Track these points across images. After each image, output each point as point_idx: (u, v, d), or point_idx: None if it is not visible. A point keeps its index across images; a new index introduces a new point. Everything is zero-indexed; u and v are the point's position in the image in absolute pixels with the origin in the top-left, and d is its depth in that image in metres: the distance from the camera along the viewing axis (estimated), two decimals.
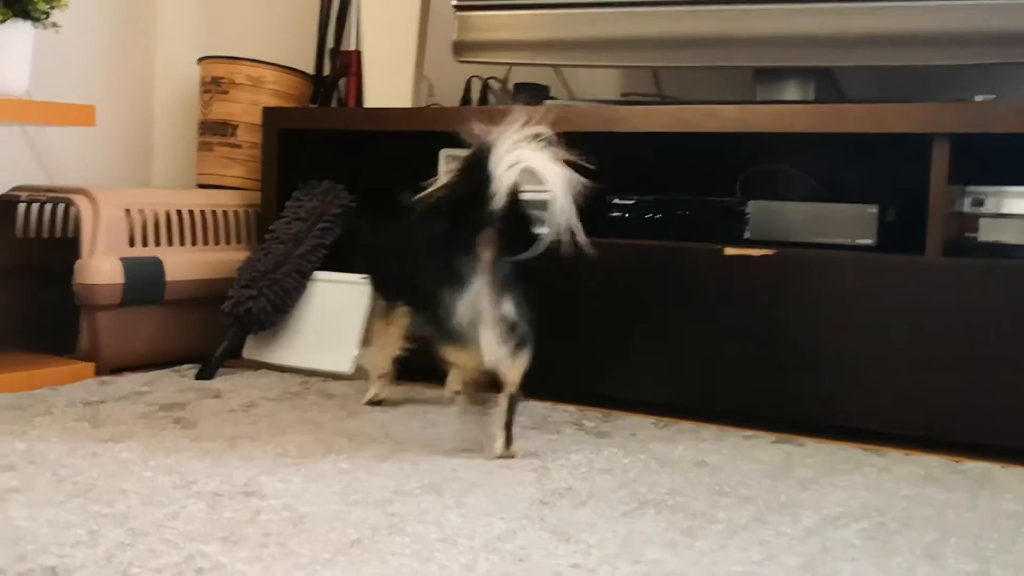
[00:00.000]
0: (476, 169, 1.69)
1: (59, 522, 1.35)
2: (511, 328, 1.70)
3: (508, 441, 1.76)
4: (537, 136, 1.68)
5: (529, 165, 1.66)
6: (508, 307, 1.70)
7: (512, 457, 1.75)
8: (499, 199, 1.67)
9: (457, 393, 2.10)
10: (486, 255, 1.70)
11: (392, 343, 2.10)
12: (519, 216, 1.72)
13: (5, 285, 2.46)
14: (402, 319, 2.07)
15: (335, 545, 1.30)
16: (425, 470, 1.65)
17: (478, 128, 1.71)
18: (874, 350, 1.93)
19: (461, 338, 1.71)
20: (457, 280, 1.70)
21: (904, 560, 1.33)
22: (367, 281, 2.20)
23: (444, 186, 1.81)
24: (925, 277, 1.89)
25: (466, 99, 2.69)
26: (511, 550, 1.31)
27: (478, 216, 1.69)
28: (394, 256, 1.94)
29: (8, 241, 2.49)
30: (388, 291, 2.08)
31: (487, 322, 1.70)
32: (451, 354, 1.75)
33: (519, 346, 1.72)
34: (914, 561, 1.33)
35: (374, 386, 2.12)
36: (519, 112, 1.72)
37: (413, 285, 1.81)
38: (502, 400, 1.75)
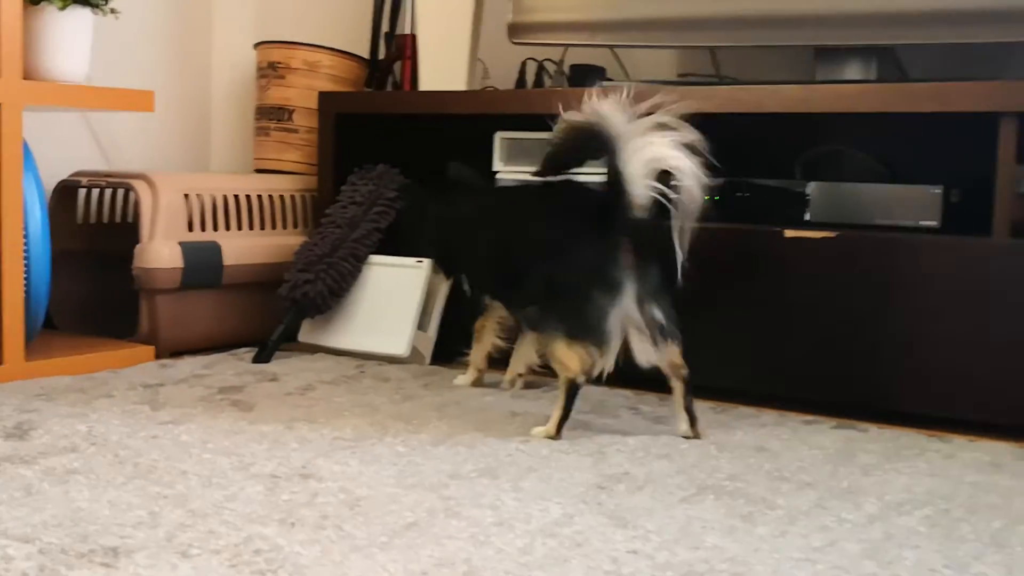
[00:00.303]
0: (609, 167, 1.72)
1: (120, 503, 1.35)
2: (660, 330, 1.75)
3: (693, 422, 1.79)
4: (667, 126, 1.71)
5: (666, 163, 1.69)
6: (658, 312, 1.74)
7: (699, 438, 1.78)
8: (640, 205, 1.71)
9: (520, 376, 2.10)
10: (633, 259, 1.73)
11: (488, 339, 2.11)
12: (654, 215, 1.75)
13: (67, 269, 2.48)
14: (497, 314, 2.08)
15: (391, 528, 1.29)
16: (481, 454, 1.64)
17: (590, 107, 1.74)
18: (938, 334, 1.90)
19: (604, 340, 1.73)
20: (609, 284, 1.73)
21: (970, 548, 1.31)
22: (460, 280, 2.16)
23: (551, 163, 1.82)
24: (991, 259, 1.86)
25: (521, 82, 2.68)
26: (568, 535, 1.30)
27: (619, 218, 1.73)
28: (504, 252, 1.92)
29: (69, 226, 2.51)
30: (485, 286, 2.07)
31: (640, 327, 1.75)
32: (568, 354, 1.75)
33: (672, 337, 1.77)
34: (981, 549, 1.30)
35: (466, 377, 2.14)
36: (638, 96, 1.73)
37: (543, 283, 1.80)
38: (678, 385, 1.79)
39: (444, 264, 2.25)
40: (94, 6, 2.20)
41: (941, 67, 2.35)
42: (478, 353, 2.12)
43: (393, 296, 2.36)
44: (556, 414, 1.76)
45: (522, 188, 2.05)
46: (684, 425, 1.80)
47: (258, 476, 1.49)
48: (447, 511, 1.37)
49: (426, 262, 2.36)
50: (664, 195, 1.71)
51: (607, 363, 1.75)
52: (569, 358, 1.74)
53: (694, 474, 1.57)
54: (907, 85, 1.94)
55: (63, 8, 2.15)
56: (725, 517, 1.38)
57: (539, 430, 1.77)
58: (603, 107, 1.72)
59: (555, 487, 1.48)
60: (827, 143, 2.32)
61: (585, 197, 1.83)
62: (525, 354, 2.09)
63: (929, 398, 1.91)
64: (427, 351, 2.35)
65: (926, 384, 1.91)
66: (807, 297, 2.00)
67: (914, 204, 2.00)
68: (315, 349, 2.42)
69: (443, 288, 2.38)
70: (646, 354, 1.76)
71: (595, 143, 1.73)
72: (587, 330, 1.73)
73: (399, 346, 2.31)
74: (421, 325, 2.35)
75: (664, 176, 1.72)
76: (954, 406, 1.89)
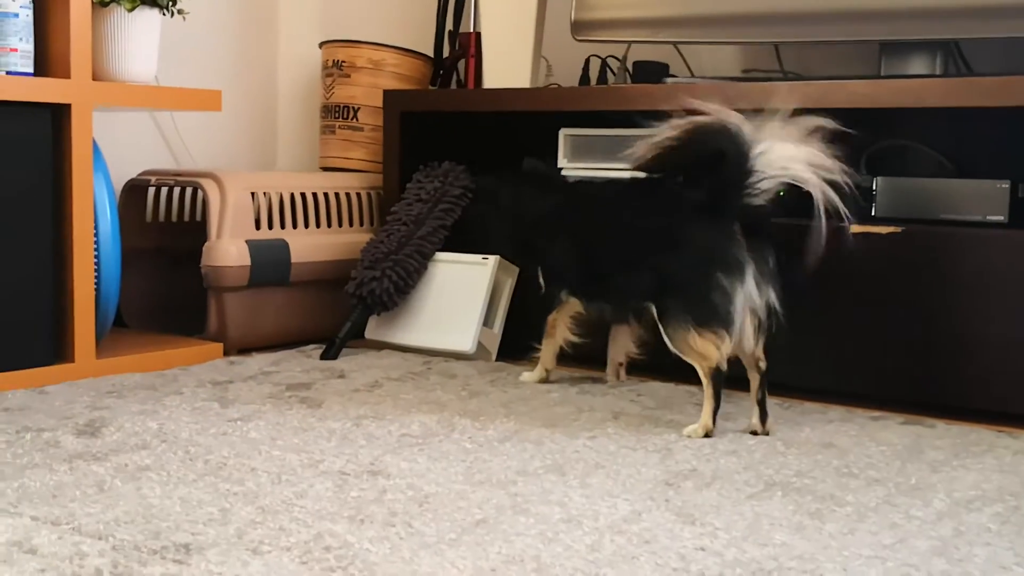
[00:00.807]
0: (729, 158, 1.74)
1: (191, 500, 1.37)
2: (770, 315, 1.76)
3: (764, 418, 1.79)
4: (802, 132, 1.74)
5: (796, 174, 1.73)
6: (773, 296, 1.75)
7: (768, 435, 1.78)
8: (757, 192, 1.74)
9: (621, 365, 2.09)
10: (748, 242, 1.75)
11: (560, 335, 2.08)
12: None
13: (137, 268, 2.51)
14: (572, 310, 2.06)
15: (460, 525, 1.30)
16: (548, 451, 1.64)
17: (712, 105, 1.76)
18: (1005, 329, 1.87)
19: (732, 323, 1.74)
20: (732, 265, 1.74)
21: None
22: (541, 276, 2.10)
23: (663, 161, 1.82)
24: None
25: (584, 79, 2.67)
26: (636, 532, 1.30)
27: (731, 203, 1.75)
28: (601, 246, 1.92)
29: (139, 224, 2.54)
30: (570, 281, 2.04)
31: (756, 310, 1.76)
32: (703, 343, 1.76)
33: (769, 329, 1.77)
34: None
35: (533, 375, 2.12)
36: (771, 97, 1.76)
37: (657, 274, 1.81)
38: (755, 377, 1.79)
39: (521, 260, 2.24)
40: (162, 7, 2.23)
41: (1005, 61, 2.32)
42: (548, 350, 2.10)
43: (459, 293, 2.37)
44: (708, 406, 1.77)
45: (608, 183, 2.03)
46: (755, 419, 1.79)
47: (327, 473, 1.50)
48: (515, 508, 1.37)
49: (492, 259, 2.36)
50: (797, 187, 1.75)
51: (746, 346, 1.78)
52: (705, 347, 1.75)
53: (761, 470, 1.56)
54: (974, 79, 1.91)
55: (131, 9, 2.17)
56: (793, 514, 1.38)
57: (692, 429, 1.77)
58: (730, 113, 1.75)
59: (623, 484, 1.48)
60: (893, 138, 2.29)
61: (684, 188, 1.84)
62: (623, 344, 2.09)
63: (996, 394, 1.89)
64: (493, 347, 2.36)
65: (994, 380, 1.89)
66: (873, 293, 1.98)
67: (981, 199, 1.98)
68: (382, 346, 2.43)
69: (509, 284, 2.39)
70: (746, 340, 1.77)
71: (722, 144, 1.75)
72: (716, 315, 1.74)
73: (465, 343, 2.32)
74: (487, 322, 2.35)
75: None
76: (1022, 402, 1.86)
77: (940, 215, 2.01)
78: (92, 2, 2.10)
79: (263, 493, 1.40)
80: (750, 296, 1.74)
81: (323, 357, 2.31)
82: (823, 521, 1.35)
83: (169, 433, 1.68)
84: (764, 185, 1.74)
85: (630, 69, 2.57)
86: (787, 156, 1.72)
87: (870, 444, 1.73)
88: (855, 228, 1.98)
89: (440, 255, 2.42)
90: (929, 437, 1.78)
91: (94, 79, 2.13)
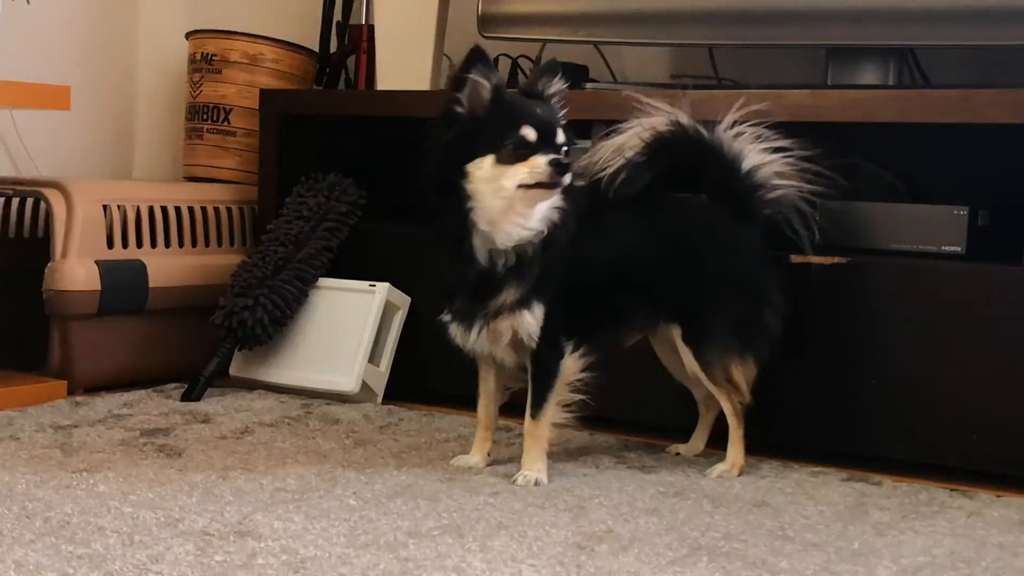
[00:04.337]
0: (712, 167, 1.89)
1: (27, 564, 1.36)
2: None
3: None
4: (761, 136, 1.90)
5: (771, 174, 1.89)
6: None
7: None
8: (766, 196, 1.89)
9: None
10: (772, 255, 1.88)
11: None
12: None
13: None
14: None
15: None
16: (444, 508, 1.65)
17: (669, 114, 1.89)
18: (962, 374, 1.92)
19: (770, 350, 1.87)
20: (772, 279, 1.90)
21: None
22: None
23: (635, 180, 1.89)
24: (1022, 290, 1.88)
25: None
26: None
27: (753, 214, 1.90)
28: (613, 271, 1.89)
29: None
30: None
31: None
32: (743, 372, 1.86)
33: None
34: None
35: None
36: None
37: (687, 293, 1.88)
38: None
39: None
40: None
41: (965, 72, 2.38)
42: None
43: (343, 325, 2.37)
44: (739, 446, 1.89)
45: (599, 205, 1.99)
46: (701, 445, 1.96)
47: (187, 533, 1.49)
48: (405, 574, 1.38)
49: (381, 286, 2.37)
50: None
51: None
52: (742, 378, 1.85)
53: (685, 532, 1.59)
54: (931, 92, 1.97)
55: None
56: None
57: (721, 468, 1.88)
58: (684, 116, 1.87)
59: (529, 547, 1.50)
60: (838, 156, 2.34)
61: (692, 202, 1.94)
62: (499, 388, 1.95)
63: (951, 447, 1.93)
64: (379, 388, 2.36)
65: (948, 430, 1.93)
66: (813, 330, 2.02)
67: (936, 227, 2.02)
68: (253, 385, 2.42)
69: (399, 316, 2.39)
70: None
71: (692, 154, 1.87)
72: (762, 337, 1.85)
73: (348, 382, 2.32)
74: (373, 358, 2.36)
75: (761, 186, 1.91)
76: (980, 456, 1.91)
77: (890, 244, 2.06)
78: None
79: (112, 556, 1.40)
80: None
81: (184, 398, 2.30)
82: None
83: (2, 486, 1.67)
84: (772, 197, 1.90)
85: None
86: (777, 171, 1.88)
87: (808, 503, 1.76)
88: (796, 258, 2.02)
89: (323, 281, 2.43)
90: (874, 496, 1.82)
91: None
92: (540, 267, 1.77)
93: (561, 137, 1.74)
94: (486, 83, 1.74)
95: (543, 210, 1.75)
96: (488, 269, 1.76)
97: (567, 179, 1.72)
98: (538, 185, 1.71)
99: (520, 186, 1.71)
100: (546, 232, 1.76)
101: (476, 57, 1.75)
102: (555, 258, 1.78)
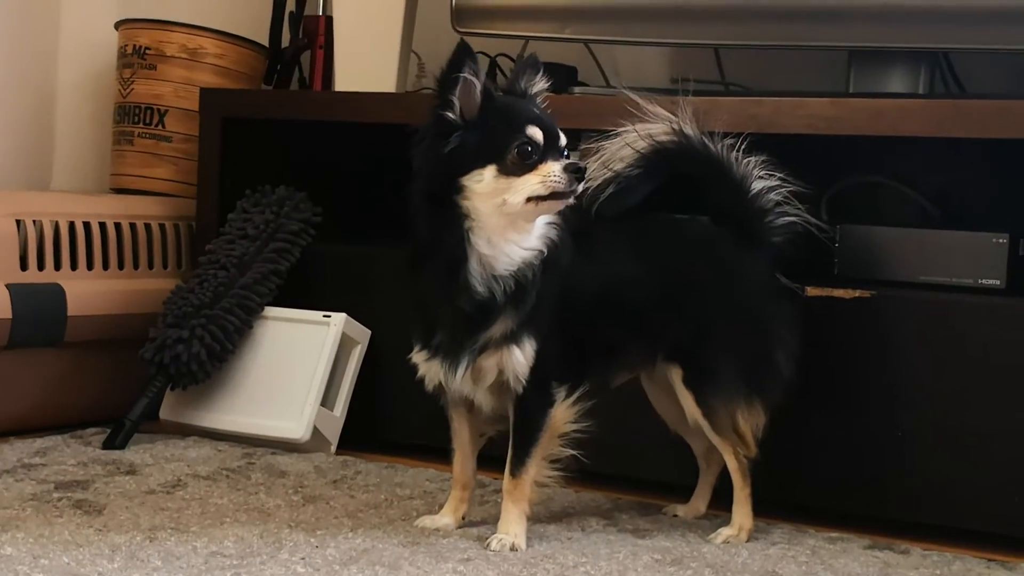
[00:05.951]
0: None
1: None
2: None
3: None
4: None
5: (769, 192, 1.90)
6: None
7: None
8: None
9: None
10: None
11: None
12: None
13: None
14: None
15: None
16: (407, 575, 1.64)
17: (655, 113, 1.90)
18: (1000, 426, 1.92)
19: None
20: (788, 313, 1.92)
21: None
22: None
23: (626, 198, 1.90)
24: None
25: None
26: None
27: (763, 240, 1.92)
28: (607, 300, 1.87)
29: None
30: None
31: None
32: (750, 420, 1.87)
33: None
34: None
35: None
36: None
37: (686, 327, 1.88)
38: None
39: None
40: None
41: (1008, 80, 2.39)
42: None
43: (292, 362, 2.36)
44: (746, 507, 1.89)
45: (586, 225, 1.97)
46: (703, 506, 1.98)
47: None
48: None
49: (337, 317, 2.35)
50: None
51: None
52: (748, 428, 1.86)
53: None
54: (965, 102, 1.97)
55: None
56: None
57: (726, 533, 1.88)
58: (688, 125, 1.89)
59: None
60: (862, 175, 2.35)
61: (692, 224, 1.97)
62: (475, 434, 1.98)
63: (988, 509, 1.93)
64: (333, 435, 2.35)
65: (985, 491, 1.93)
66: (834, 373, 2.01)
67: (973, 257, 2.03)
68: (187, 431, 2.41)
69: (357, 352, 2.38)
70: None
71: (695, 169, 1.90)
72: (772, 380, 1.87)
73: (298, 428, 2.31)
74: (326, 401, 2.35)
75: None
76: (1021, 521, 1.91)
77: (920, 276, 2.06)
78: None
79: None
80: None
81: (106, 446, 2.28)
82: None
83: None
84: (784, 221, 1.91)
85: None
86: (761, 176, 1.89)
87: (825, 574, 1.76)
88: (812, 291, 2.02)
89: (270, 310, 2.42)
90: (900, 566, 1.81)
91: None
92: (536, 294, 1.75)
93: (564, 139, 1.74)
94: (477, 82, 1.73)
95: (541, 226, 1.74)
96: (487, 299, 1.73)
97: (582, 186, 1.72)
98: (552, 196, 1.69)
99: (530, 199, 1.69)
100: (545, 252, 1.75)
101: (465, 53, 1.73)
102: (551, 284, 1.76)
